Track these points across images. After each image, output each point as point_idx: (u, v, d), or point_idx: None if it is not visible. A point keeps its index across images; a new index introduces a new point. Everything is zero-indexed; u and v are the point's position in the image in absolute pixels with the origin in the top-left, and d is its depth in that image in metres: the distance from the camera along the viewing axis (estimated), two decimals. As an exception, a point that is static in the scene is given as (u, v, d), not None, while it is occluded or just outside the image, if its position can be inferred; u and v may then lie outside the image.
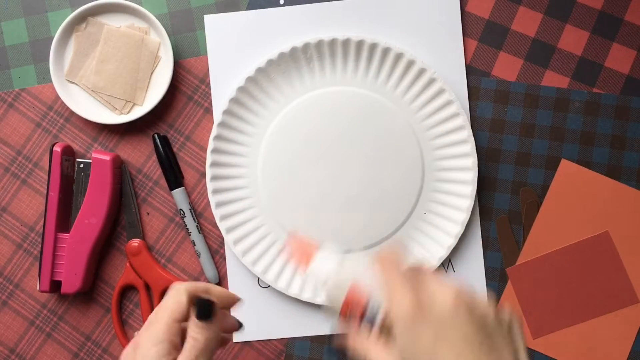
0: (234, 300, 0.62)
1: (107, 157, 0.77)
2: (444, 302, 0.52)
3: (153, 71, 0.79)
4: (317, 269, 0.59)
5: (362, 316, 0.56)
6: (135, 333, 0.59)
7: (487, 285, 0.80)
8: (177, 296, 0.57)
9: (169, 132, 0.81)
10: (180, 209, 0.79)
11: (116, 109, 0.79)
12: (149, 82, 0.79)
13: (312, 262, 0.59)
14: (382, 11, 0.80)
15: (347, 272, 0.58)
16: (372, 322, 0.56)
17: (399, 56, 0.78)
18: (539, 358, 0.80)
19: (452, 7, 0.80)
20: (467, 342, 0.51)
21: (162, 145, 0.79)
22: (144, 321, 0.80)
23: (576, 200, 0.80)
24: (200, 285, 0.59)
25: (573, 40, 0.81)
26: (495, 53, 0.81)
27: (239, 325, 0.63)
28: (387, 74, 0.79)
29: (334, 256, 0.59)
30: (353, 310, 0.56)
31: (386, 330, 0.55)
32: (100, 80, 0.79)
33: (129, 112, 0.79)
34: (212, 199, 0.78)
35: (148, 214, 0.81)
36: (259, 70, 0.78)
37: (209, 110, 0.81)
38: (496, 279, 0.80)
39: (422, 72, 0.78)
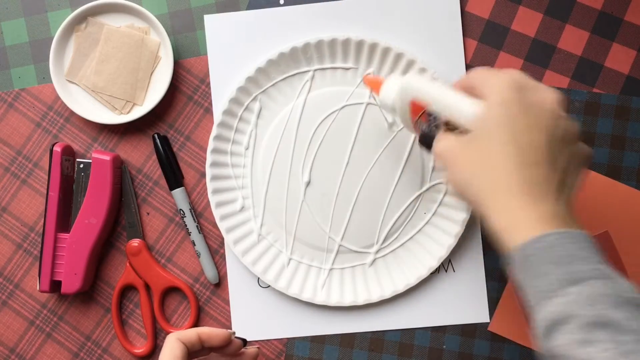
0: (225, 336, 0.66)
1: (107, 157, 0.77)
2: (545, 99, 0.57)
3: (153, 71, 0.79)
4: (384, 96, 0.68)
5: (428, 121, 0.65)
6: None
7: (487, 285, 0.80)
8: (169, 345, 0.62)
9: (169, 132, 0.81)
10: (180, 209, 0.79)
11: (116, 109, 0.79)
12: (149, 82, 0.79)
13: (381, 91, 0.69)
14: (382, 11, 0.80)
15: (410, 89, 0.65)
16: (436, 123, 0.64)
17: (399, 56, 0.78)
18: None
19: (452, 7, 0.80)
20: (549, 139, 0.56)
21: (162, 145, 0.79)
22: (144, 321, 0.80)
23: (576, 200, 0.80)
24: (190, 332, 0.65)
25: (573, 40, 0.81)
26: (495, 53, 0.81)
27: (244, 343, 0.68)
28: (387, 74, 0.79)
29: (397, 81, 0.67)
30: (419, 116, 0.66)
31: (453, 129, 0.62)
32: (100, 80, 0.79)
33: (129, 112, 0.79)
34: (212, 199, 0.78)
35: (148, 214, 0.81)
36: (259, 70, 0.78)
37: (209, 110, 0.81)
38: (496, 279, 0.80)
39: (422, 72, 0.78)
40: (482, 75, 0.60)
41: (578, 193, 0.59)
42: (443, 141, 0.61)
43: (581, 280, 0.51)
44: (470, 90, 0.61)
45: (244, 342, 0.68)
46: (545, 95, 0.58)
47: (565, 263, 0.51)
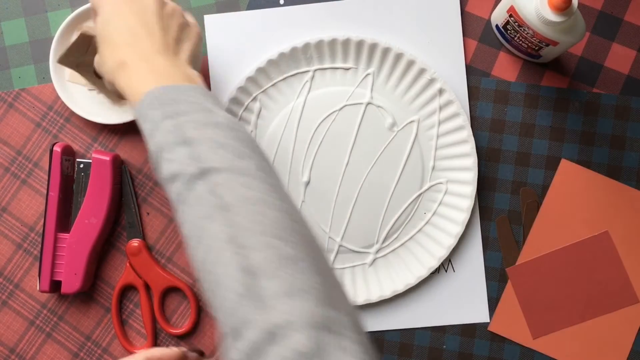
0: (176, 356, 0.69)
1: (107, 157, 0.77)
2: None
3: None
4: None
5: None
6: None
7: (487, 285, 0.80)
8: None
9: (169, 132, 0.81)
10: (180, 209, 0.79)
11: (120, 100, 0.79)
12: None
13: None
14: (382, 11, 0.80)
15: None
16: None
17: (399, 56, 0.78)
18: (539, 358, 0.80)
19: (452, 7, 0.80)
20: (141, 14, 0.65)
21: (162, 145, 0.79)
22: (144, 321, 0.80)
23: (576, 200, 0.80)
24: (137, 357, 0.66)
25: (573, 40, 0.81)
26: (495, 53, 0.81)
27: (201, 354, 0.70)
28: (387, 74, 0.79)
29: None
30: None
31: None
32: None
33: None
34: (212, 199, 0.78)
35: (148, 214, 0.81)
36: (259, 70, 0.78)
37: (209, 110, 0.81)
38: (496, 279, 0.80)
39: (422, 72, 0.78)
40: None
41: (196, 59, 0.68)
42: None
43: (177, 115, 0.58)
44: None
45: (201, 354, 0.68)
46: None
47: (168, 104, 0.58)
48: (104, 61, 0.64)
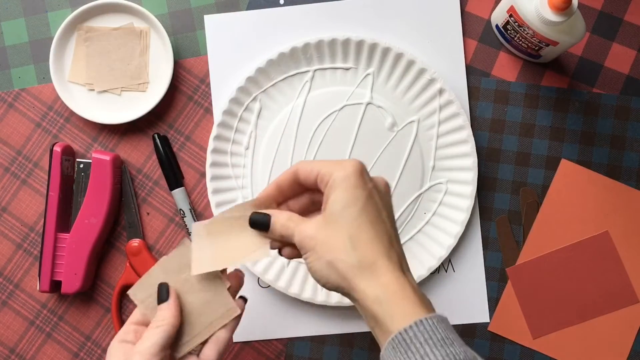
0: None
1: (107, 157, 0.77)
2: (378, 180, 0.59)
3: (147, 48, 0.79)
4: None
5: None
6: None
7: (487, 285, 0.80)
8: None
9: (169, 132, 0.81)
10: (180, 209, 0.79)
11: (137, 85, 0.79)
12: (147, 58, 0.79)
13: None
14: (382, 11, 0.80)
15: None
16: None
17: (399, 56, 0.78)
18: (539, 358, 0.80)
19: (452, 7, 0.80)
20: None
21: (162, 145, 0.79)
22: (144, 321, 0.80)
23: (576, 200, 0.80)
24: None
25: (573, 40, 0.81)
26: (495, 53, 0.81)
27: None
28: (387, 74, 0.79)
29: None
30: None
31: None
32: (105, 81, 0.79)
33: (146, 90, 0.79)
34: (212, 199, 0.78)
35: (148, 214, 0.81)
36: (259, 70, 0.78)
37: (209, 110, 0.81)
38: (496, 279, 0.80)
39: (422, 72, 0.78)
40: (326, 164, 0.59)
41: None
42: (302, 231, 0.59)
43: None
44: (309, 178, 0.59)
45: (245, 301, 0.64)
46: (378, 178, 0.60)
47: (445, 345, 0.53)
48: (334, 264, 0.56)
